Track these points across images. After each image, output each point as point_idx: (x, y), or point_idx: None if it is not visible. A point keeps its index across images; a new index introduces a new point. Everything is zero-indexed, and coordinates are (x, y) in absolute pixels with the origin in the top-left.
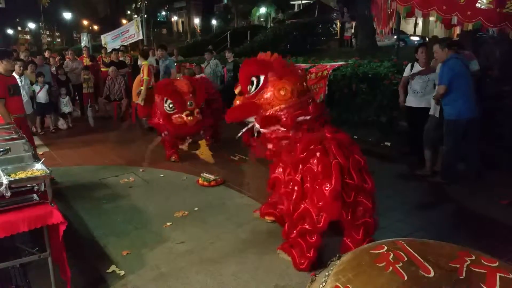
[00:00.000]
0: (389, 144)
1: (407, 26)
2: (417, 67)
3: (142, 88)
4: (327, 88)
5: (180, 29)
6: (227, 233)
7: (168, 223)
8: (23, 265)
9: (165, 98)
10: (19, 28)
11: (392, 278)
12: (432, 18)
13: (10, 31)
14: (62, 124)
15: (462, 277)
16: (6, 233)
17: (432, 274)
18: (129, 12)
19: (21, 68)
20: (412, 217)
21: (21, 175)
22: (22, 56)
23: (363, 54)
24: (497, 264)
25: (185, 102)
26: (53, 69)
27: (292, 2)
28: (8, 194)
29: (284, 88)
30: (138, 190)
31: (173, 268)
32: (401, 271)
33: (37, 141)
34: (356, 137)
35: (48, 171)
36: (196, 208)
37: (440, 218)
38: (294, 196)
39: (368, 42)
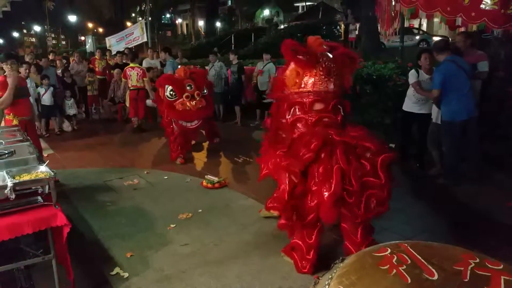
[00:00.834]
0: (393, 146)
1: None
2: (422, 74)
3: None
4: None
5: (185, 31)
6: (231, 235)
7: (172, 225)
8: (28, 267)
9: (165, 86)
10: (25, 31)
11: (395, 281)
12: (436, 19)
13: (15, 34)
14: (67, 126)
15: (466, 280)
16: (11, 235)
17: (436, 277)
18: (133, 14)
19: (27, 71)
20: (416, 219)
21: (26, 177)
22: (27, 58)
23: (367, 56)
24: (501, 267)
25: (184, 85)
26: (59, 71)
27: (296, 4)
28: (13, 196)
29: (295, 72)
30: (142, 192)
31: (177, 270)
32: (405, 274)
33: (41, 143)
34: None
35: (52, 173)
36: (200, 210)
37: (444, 220)
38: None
39: (372, 43)
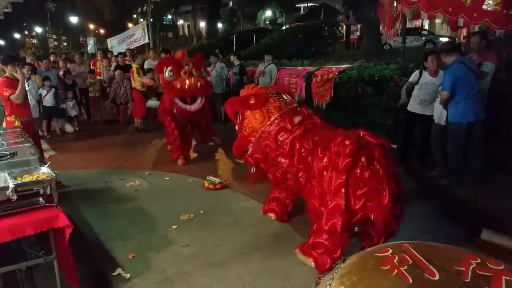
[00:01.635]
0: (395, 146)
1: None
2: (426, 76)
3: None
4: (332, 90)
5: (186, 32)
6: (233, 236)
7: (173, 226)
8: (30, 268)
9: (164, 68)
10: (26, 32)
11: (397, 281)
12: (438, 20)
13: (17, 35)
14: (68, 127)
15: (467, 280)
16: (13, 236)
17: (437, 277)
18: (135, 16)
19: (29, 72)
20: (417, 220)
21: (27, 178)
22: (28, 60)
23: (369, 57)
24: (502, 267)
25: (182, 65)
26: (61, 73)
27: (297, 5)
28: (15, 197)
29: (256, 115)
30: (144, 193)
31: (178, 271)
32: (406, 274)
33: (43, 145)
34: None
35: (54, 175)
36: (201, 211)
37: (446, 221)
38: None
39: (374, 44)
